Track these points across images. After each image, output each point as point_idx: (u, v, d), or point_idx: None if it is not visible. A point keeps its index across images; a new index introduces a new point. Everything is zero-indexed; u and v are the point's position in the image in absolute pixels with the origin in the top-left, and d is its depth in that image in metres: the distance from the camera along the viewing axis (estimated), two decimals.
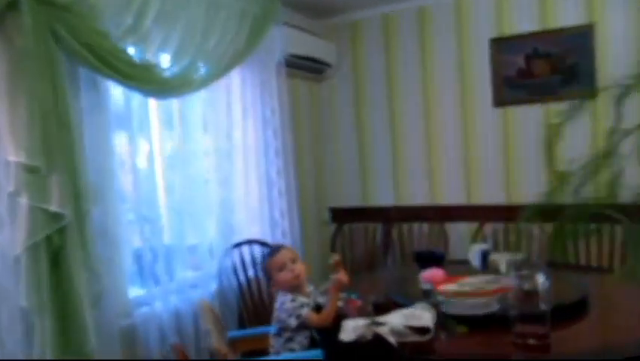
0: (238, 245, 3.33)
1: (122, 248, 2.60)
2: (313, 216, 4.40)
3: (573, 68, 3.66)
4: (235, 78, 3.29)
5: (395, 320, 2.02)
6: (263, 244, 3.44)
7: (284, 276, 2.25)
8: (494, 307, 2.12)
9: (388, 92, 4.28)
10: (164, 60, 2.70)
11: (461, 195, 4.06)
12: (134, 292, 2.77)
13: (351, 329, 2.04)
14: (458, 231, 4.06)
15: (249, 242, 3.39)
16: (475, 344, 2.03)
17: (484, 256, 2.82)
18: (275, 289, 2.29)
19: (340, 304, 2.22)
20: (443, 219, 4.06)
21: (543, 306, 1.90)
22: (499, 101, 3.90)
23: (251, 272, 3.34)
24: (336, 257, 2.26)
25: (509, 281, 2.18)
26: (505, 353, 1.94)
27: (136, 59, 2.45)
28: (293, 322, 2.17)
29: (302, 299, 2.23)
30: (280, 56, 3.53)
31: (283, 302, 2.21)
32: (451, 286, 2.21)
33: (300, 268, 2.29)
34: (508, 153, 3.88)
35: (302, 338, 2.21)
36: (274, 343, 2.26)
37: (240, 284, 3.24)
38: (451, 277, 2.32)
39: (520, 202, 3.85)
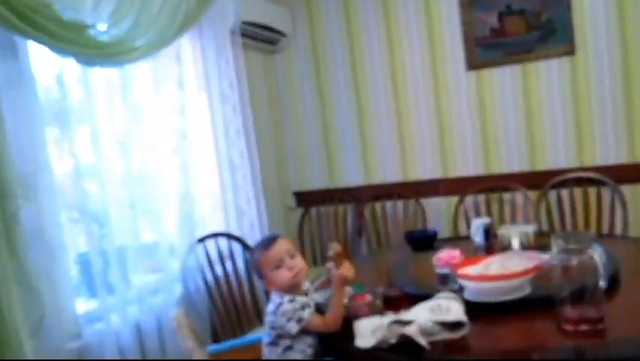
0: (202, 240, 2.85)
1: (63, 254, 2.09)
2: (277, 202, 3.95)
3: (549, 23, 3.37)
4: (186, 46, 2.79)
5: (421, 315, 1.63)
6: (230, 236, 2.97)
7: (282, 275, 1.81)
8: (527, 289, 1.77)
9: (351, 61, 3.87)
10: (101, 22, 2.17)
11: (437, 169, 3.73)
12: (84, 306, 2.26)
13: (369, 332, 1.63)
14: (436, 206, 3.73)
15: (215, 235, 2.92)
16: (512, 334, 1.68)
17: (487, 231, 2.47)
18: (270, 289, 1.85)
19: (345, 301, 1.81)
20: (419, 195, 3.72)
21: (599, 284, 1.56)
22: (473, 64, 3.57)
23: (219, 270, 2.87)
24: (336, 247, 1.84)
25: (539, 257, 1.83)
26: (555, 342, 1.59)
27: (66, 17, 1.92)
28: (294, 327, 1.74)
29: (302, 299, 1.81)
30: (235, 21, 3.03)
31: (280, 304, 1.77)
32: (474, 268, 1.84)
33: (300, 263, 1.85)
34: (485, 119, 3.57)
35: (304, 347, 1.78)
36: (269, 353, 1.82)
37: (208, 286, 2.77)
38: (472, 258, 1.95)
39: (500, 172, 3.56)
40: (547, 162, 3.46)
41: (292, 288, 1.82)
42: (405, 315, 1.65)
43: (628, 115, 3.25)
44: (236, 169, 3.09)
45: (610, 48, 3.25)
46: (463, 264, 1.89)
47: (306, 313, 1.77)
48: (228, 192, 3.06)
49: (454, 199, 3.61)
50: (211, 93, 2.96)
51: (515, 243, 2.22)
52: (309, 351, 1.79)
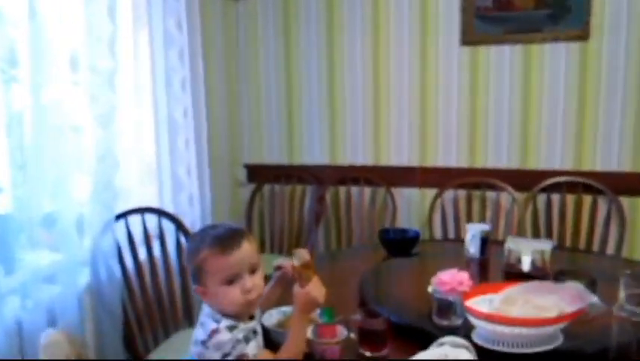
0: (124, 215, 2.22)
1: None
2: (225, 175, 3.33)
3: (564, 1, 2.86)
4: None
5: None
6: (161, 213, 2.35)
7: (232, 295, 1.22)
8: (559, 338, 1.27)
9: (327, 22, 3.25)
10: None
11: (414, 155, 3.19)
12: None
13: None
14: (409, 197, 3.21)
15: (141, 210, 2.29)
16: None
17: (484, 240, 1.96)
18: (204, 300, 1.27)
19: (309, 334, 1.25)
20: (390, 183, 3.18)
21: None
22: (469, 38, 3.02)
23: (143, 254, 2.25)
24: (303, 255, 1.27)
25: (581, 295, 1.31)
26: None
27: None
28: None
29: (247, 326, 1.24)
30: None
31: (214, 332, 1.19)
32: (490, 302, 1.32)
33: (260, 283, 1.27)
34: (475, 103, 3.05)
35: None
36: None
37: (126, 274, 2.15)
38: (486, 285, 1.42)
39: (485, 166, 3.06)
40: (540, 160, 2.98)
41: (239, 312, 1.25)
42: None
43: (639, 118, 2.80)
44: (177, 130, 2.46)
45: (629, 39, 2.77)
46: (474, 292, 1.36)
47: (251, 348, 1.20)
48: (164, 158, 2.43)
49: (431, 192, 3.10)
50: (152, 31, 2.30)
51: (526, 263, 1.71)
52: None
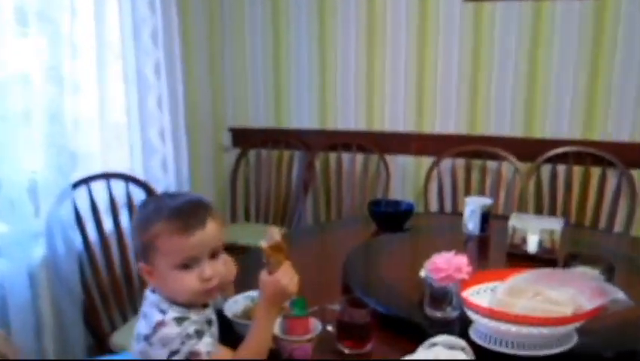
0: (85, 182, 2.00)
1: None
2: (207, 139, 3.10)
3: None
4: None
5: None
6: (129, 179, 2.13)
7: (187, 282, 1.00)
8: (573, 339, 1.07)
9: None
10: None
11: (410, 121, 2.95)
12: None
13: None
14: (403, 166, 2.99)
15: (106, 176, 2.07)
16: None
17: (485, 216, 1.75)
18: (149, 282, 1.06)
19: (276, 330, 1.05)
20: (384, 150, 2.96)
21: None
22: None
23: (109, 226, 2.04)
24: (274, 235, 1.05)
25: (602, 287, 1.11)
26: None
27: None
28: None
29: (199, 317, 1.03)
30: None
31: (159, 324, 0.99)
32: (493, 295, 1.11)
33: (220, 270, 1.04)
34: (478, 65, 2.79)
35: None
36: None
37: (88, 247, 1.94)
38: (487, 272, 1.21)
39: (486, 133, 2.83)
40: (546, 128, 2.75)
41: (192, 301, 1.05)
42: None
43: None
44: (148, 89, 2.21)
45: None
46: (474, 280, 1.16)
47: (204, 345, 0.99)
48: (134, 120, 2.19)
49: (427, 161, 2.88)
50: None
51: (533, 244, 1.51)
52: None
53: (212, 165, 3.18)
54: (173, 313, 1.01)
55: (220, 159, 3.28)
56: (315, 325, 1.07)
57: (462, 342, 1.01)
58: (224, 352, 1.01)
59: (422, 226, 2.09)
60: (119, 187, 2.10)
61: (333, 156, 3.08)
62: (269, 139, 3.17)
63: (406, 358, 0.98)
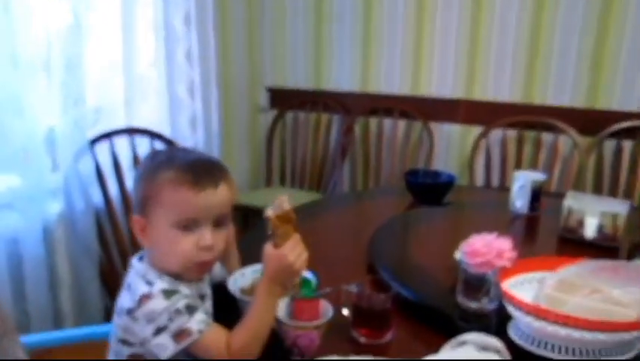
0: (107, 136, 1.91)
1: None
2: (241, 98, 2.96)
3: None
4: None
5: None
6: (154, 135, 2.03)
7: (182, 245, 0.90)
8: (634, 348, 0.89)
9: None
10: None
11: (459, 86, 2.72)
12: None
13: None
14: (449, 135, 2.78)
15: (129, 132, 1.98)
16: None
17: (536, 193, 1.56)
18: (141, 241, 0.94)
19: (281, 312, 0.91)
20: (429, 117, 2.75)
21: None
22: None
23: (131, 184, 1.96)
24: (283, 203, 0.90)
25: None
26: None
27: None
28: (164, 348, 0.86)
29: (187, 291, 0.91)
30: None
31: (145, 297, 0.88)
32: (540, 288, 0.94)
33: (221, 243, 0.93)
34: (539, 28, 2.52)
35: None
36: None
37: (108, 204, 1.87)
38: (532, 259, 1.03)
39: (544, 103, 2.58)
40: (613, 99, 2.47)
41: (182, 272, 0.93)
42: None
43: None
44: (177, 40, 2.08)
45: None
46: (517, 268, 0.99)
47: (196, 322, 0.87)
48: (160, 72, 2.07)
49: (476, 130, 2.66)
50: None
51: (591, 228, 1.31)
52: None
53: (247, 126, 3.06)
54: (161, 284, 0.89)
55: (256, 119, 3.15)
56: (325, 309, 0.92)
57: (497, 343, 0.84)
58: (219, 332, 0.89)
59: (464, 201, 1.90)
60: (143, 144, 2.01)
61: (373, 121, 2.90)
62: (307, 101, 3.02)
63: (429, 358, 0.83)
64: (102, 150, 1.90)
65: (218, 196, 0.92)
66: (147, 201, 0.91)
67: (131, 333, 0.90)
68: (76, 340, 1.11)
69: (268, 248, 0.91)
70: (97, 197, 1.85)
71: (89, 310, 1.85)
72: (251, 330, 0.88)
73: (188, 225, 0.90)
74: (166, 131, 2.12)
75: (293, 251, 0.89)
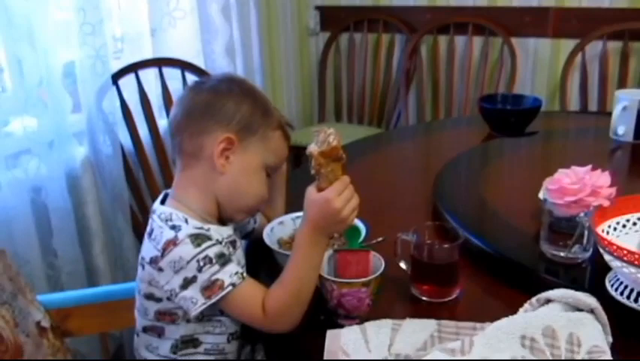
0: (133, 69, 1.88)
1: None
2: (285, 20, 2.88)
3: None
4: None
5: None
6: (187, 66, 1.99)
7: (264, 189, 0.96)
8: None
9: None
10: None
11: None
12: None
13: None
14: (535, 51, 2.60)
15: (157, 63, 1.95)
16: None
17: None
18: (217, 158, 0.91)
19: (323, 267, 0.86)
20: (509, 32, 2.58)
21: None
22: None
23: (164, 121, 1.95)
24: (328, 137, 0.83)
25: None
26: None
27: None
28: (194, 304, 0.84)
29: (217, 235, 0.89)
30: None
31: (171, 242, 0.85)
32: None
33: (282, 176, 1.09)
34: None
35: (221, 341, 0.93)
36: (139, 326, 0.97)
37: (138, 148, 1.86)
38: (638, 197, 0.93)
39: None
40: None
41: (238, 212, 0.96)
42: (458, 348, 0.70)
43: None
44: None
45: None
46: (617, 209, 0.89)
47: (227, 275, 0.84)
48: None
49: (569, 44, 2.47)
50: None
51: None
52: (230, 351, 0.93)
53: (295, 52, 2.98)
54: (188, 229, 0.86)
55: (305, 44, 3.07)
56: (376, 263, 0.86)
57: (591, 300, 0.76)
58: (255, 289, 0.85)
59: (554, 129, 1.78)
60: (173, 77, 1.98)
61: (443, 39, 2.76)
62: (364, 19, 2.90)
63: (504, 320, 0.75)
64: (127, 85, 1.88)
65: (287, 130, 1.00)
66: (250, 127, 0.92)
67: (156, 286, 0.89)
68: (97, 299, 1.12)
69: (311, 191, 0.85)
70: (125, 139, 1.85)
71: (125, 265, 1.88)
72: (290, 289, 0.84)
73: (270, 172, 0.97)
74: (198, 62, 2.08)
75: (340, 196, 0.83)
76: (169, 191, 0.95)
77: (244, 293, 0.85)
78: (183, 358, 0.93)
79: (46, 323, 1.03)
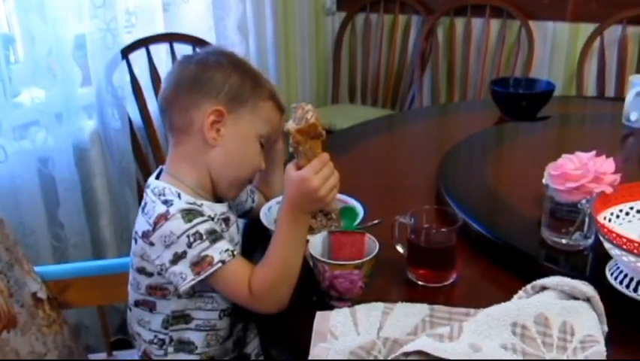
0: (144, 43, 1.87)
1: None
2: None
3: None
4: None
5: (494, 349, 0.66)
6: (198, 42, 1.97)
7: (259, 159, 0.94)
8: None
9: None
10: None
11: None
12: None
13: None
14: (553, 35, 2.53)
15: (168, 38, 1.93)
16: None
17: None
18: (207, 130, 0.89)
19: (316, 248, 0.84)
20: (528, 14, 2.51)
21: None
22: None
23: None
24: (305, 113, 0.81)
25: None
26: None
27: None
28: (183, 279, 0.83)
29: (209, 211, 0.89)
30: None
31: (163, 216, 0.84)
32: None
33: (279, 153, 1.05)
34: None
35: (209, 317, 0.93)
36: (131, 300, 0.97)
37: (147, 123, 1.86)
38: None
39: None
40: None
41: (231, 186, 0.94)
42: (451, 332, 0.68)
43: None
44: None
45: None
46: (620, 196, 0.86)
47: (217, 252, 0.83)
48: None
49: (587, 28, 2.40)
50: None
51: None
52: (222, 328, 0.93)
53: (310, 32, 2.93)
54: (181, 204, 0.85)
55: (320, 24, 3.02)
56: (370, 246, 0.84)
57: (588, 288, 0.74)
58: (243, 267, 0.84)
59: (568, 114, 1.74)
60: (184, 52, 1.96)
61: (459, 21, 2.69)
62: (380, 0, 2.84)
63: (495, 307, 0.73)
64: (138, 59, 1.87)
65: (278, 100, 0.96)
66: (240, 98, 0.90)
67: (147, 260, 0.89)
68: (97, 272, 1.11)
69: (289, 168, 0.84)
70: (134, 113, 1.84)
71: (131, 238, 1.88)
72: (274, 268, 0.83)
73: (264, 143, 0.94)
74: (210, 39, 2.06)
75: (318, 174, 0.81)
76: (164, 166, 0.94)
77: (232, 271, 0.84)
78: (175, 333, 0.93)
79: (42, 294, 1.03)
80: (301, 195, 0.82)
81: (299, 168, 0.82)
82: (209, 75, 0.89)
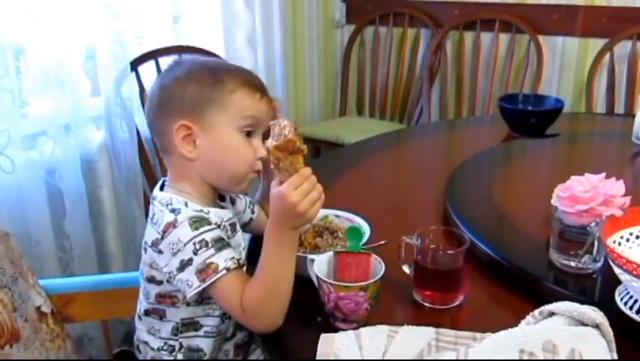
0: (152, 55, 1.87)
1: None
2: (311, 11, 2.84)
3: None
4: None
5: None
6: (208, 54, 1.97)
7: (249, 150, 0.92)
8: None
9: None
10: None
11: None
12: None
13: None
14: (562, 51, 2.52)
15: (177, 50, 1.93)
16: None
17: None
18: (181, 148, 0.89)
19: (321, 269, 0.83)
20: (536, 29, 2.51)
21: None
22: None
23: None
24: (284, 129, 0.79)
25: None
26: None
27: None
28: (189, 286, 0.83)
29: (216, 217, 0.90)
30: None
31: (171, 224, 0.85)
32: None
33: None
34: None
35: (217, 323, 0.94)
36: (141, 310, 0.97)
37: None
38: None
39: None
40: None
41: (234, 183, 0.94)
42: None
43: None
44: None
45: None
46: (630, 219, 0.84)
47: (222, 259, 0.83)
48: None
49: (597, 43, 2.39)
50: None
51: None
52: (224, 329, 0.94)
53: (319, 45, 2.94)
54: (188, 212, 0.86)
55: (329, 37, 3.02)
56: (376, 267, 0.83)
57: (597, 314, 0.72)
58: (241, 280, 0.83)
59: (576, 131, 1.72)
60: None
61: (468, 35, 2.69)
62: (389, 13, 2.85)
63: (501, 334, 0.72)
64: (147, 71, 1.87)
65: (269, 104, 0.94)
66: (201, 104, 0.89)
67: (156, 269, 0.90)
68: (101, 286, 1.11)
69: (272, 185, 0.83)
70: (142, 125, 1.84)
71: (137, 251, 1.87)
72: (262, 285, 0.82)
73: (252, 130, 0.92)
74: (219, 51, 2.06)
75: (297, 189, 0.80)
76: (166, 179, 0.95)
77: (229, 284, 0.83)
78: (185, 340, 0.93)
79: (46, 308, 1.02)
80: (282, 212, 0.81)
81: (281, 184, 0.81)
82: (169, 95, 0.89)
